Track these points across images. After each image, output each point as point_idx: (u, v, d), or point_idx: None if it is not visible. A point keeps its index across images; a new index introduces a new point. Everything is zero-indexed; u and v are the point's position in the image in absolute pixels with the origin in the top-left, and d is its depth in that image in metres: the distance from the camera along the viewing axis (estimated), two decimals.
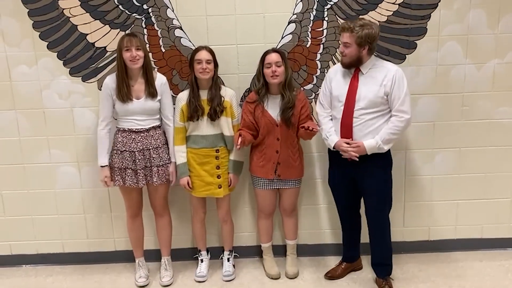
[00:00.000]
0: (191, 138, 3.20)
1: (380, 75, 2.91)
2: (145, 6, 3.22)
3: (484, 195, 3.53)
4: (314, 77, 3.34)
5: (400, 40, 3.27)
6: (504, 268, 3.40)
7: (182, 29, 3.26)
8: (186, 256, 3.58)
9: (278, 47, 3.24)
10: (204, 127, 3.16)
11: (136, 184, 3.14)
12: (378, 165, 2.99)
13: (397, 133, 2.91)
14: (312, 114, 3.25)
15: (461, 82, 3.34)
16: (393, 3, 3.22)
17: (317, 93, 3.23)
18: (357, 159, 2.91)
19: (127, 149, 3.10)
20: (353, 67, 2.95)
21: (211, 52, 3.10)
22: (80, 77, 3.32)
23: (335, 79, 3.03)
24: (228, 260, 3.44)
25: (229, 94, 3.19)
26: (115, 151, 3.13)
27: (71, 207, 3.53)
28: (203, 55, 3.07)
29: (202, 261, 3.45)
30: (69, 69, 3.31)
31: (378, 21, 3.22)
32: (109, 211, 3.54)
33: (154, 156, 3.13)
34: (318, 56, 3.31)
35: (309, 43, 3.29)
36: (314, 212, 3.58)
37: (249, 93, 3.26)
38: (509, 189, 3.53)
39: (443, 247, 3.60)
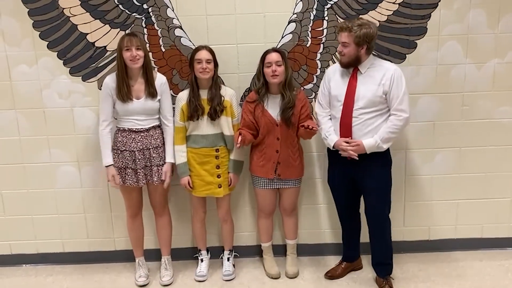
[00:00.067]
0: (191, 138, 3.20)
1: (378, 75, 2.91)
2: (145, 6, 3.22)
3: (484, 194, 3.53)
4: (314, 76, 3.34)
5: (400, 39, 3.27)
6: (504, 268, 3.40)
7: (182, 29, 3.26)
8: (186, 255, 3.58)
9: (278, 46, 3.24)
10: (204, 127, 3.16)
11: (136, 184, 3.14)
12: (378, 164, 2.99)
13: (396, 132, 2.91)
14: (312, 114, 3.25)
15: (461, 81, 3.34)
16: (393, 3, 3.22)
17: (317, 92, 3.23)
18: (357, 158, 2.91)
19: (127, 149, 3.10)
20: (352, 66, 2.95)
21: (211, 51, 3.10)
22: (80, 77, 3.32)
23: (334, 79, 3.03)
24: (228, 259, 3.44)
25: (229, 94, 3.19)
26: (115, 151, 3.13)
27: (71, 206, 3.53)
28: (203, 54, 3.07)
29: (202, 260, 3.45)
30: (69, 69, 3.31)
31: (378, 21, 3.22)
32: (109, 210, 3.54)
33: (154, 155, 3.13)
34: (318, 55, 3.31)
35: (309, 42, 3.29)
36: (314, 212, 3.58)
37: (249, 92, 3.26)
38: (509, 189, 3.53)
39: (443, 247, 3.60)
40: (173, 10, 3.23)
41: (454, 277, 3.31)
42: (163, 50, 3.29)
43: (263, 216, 3.38)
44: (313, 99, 3.33)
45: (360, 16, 3.17)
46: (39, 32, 3.24)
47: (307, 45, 3.29)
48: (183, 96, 3.18)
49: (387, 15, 3.24)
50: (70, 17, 3.22)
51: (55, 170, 3.46)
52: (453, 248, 3.60)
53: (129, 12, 3.23)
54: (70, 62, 3.29)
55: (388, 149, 3.00)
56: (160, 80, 3.14)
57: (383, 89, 2.89)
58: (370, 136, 2.91)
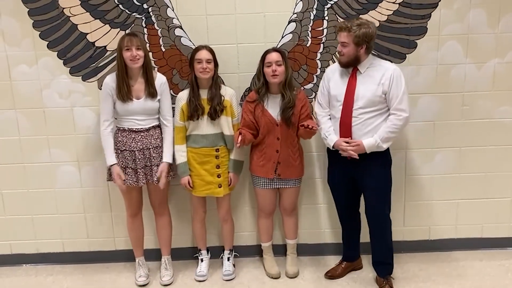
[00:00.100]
0: (191, 138, 3.20)
1: (378, 74, 2.91)
2: (145, 6, 3.22)
3: (484, 194, 3.53)
4: (314, 76, 3.34)
5: (400, 39, 3.27)
6: (504, 268, 3.40)
7: (182, 29, 3.26)
8: (186, 255, 3.58)
9: (278, 46, 3.24)
10: (204, 127, 3.16)
11: (136, 183, 3.14)
12: (378, 164, 2.99)
13: (395, 131, 2.91)
14: (312, 114, 3.24)
15: (461, 81, 3.34)
16: (394, 3, 3.22)
17: (317, 92, 3.22)
18: (357, 157, 2.92)
19: (127, 148, 3.10)
20: (351, 66, 2.95)
21: (211, 51, 3.10)
22: (80, 77, 3.32)
23: (333, 79, 3.03)
24: (228, 259, 3.44)
25: (229, 93, 3.19)
26: (115, 150, 3.13)
27: (71, 206, 3.53)
28: (204, 54, 3.06)
29: (202, 260, 3.45)
30: (69, 69, 3.31)
31: (379, 21, 3.22)
32: (109, 210, 3.54)
33: (154, 155, 3.12)
34: (318, 55, 3.31)
35: (309, 42, 3.29)
36: (314, 212, 3.58)
37: (249, 92, 3.26)
38: (509, 189, 3.53)
39: (443, 247, 3.60)
40: (173, 10, 3.23)
41: (454, 277, 3.31)
42: (163, 50, 3.29)
43: (263, 216, 3.38)
44: (313, 99, 3.33)
45: (360, 16, 3.17)
46: (39, 32, 3.24)
47: (307, 45, 3.29)
48: (183, 96, 3.18)
49: (387, 15, 3.24)
50: (70, 16, 3.22)
51: (55, 170, 3.46)
52: (453, 248, 3.60)
53: (129, 12, 3.23)
54: (70, 62, 3.29)
55: (388, 149, 3.00)
56: (160, 80, 3.13)
57: (382, 89, 2.89)
58: (370, 136, 2.91)
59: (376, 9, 3.23)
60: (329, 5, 3.23)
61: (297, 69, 3.31)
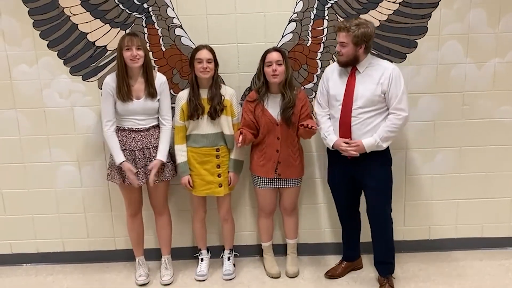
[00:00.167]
0: (191, 137, 3.20)
1: (377, 74, 2.91)
2: (145, 5, 3.22)
3: (485, 194, 3.53)
4: (315, 76, 3.34)
5: (400, 39, 3.27)
6: (504, 268, 3.40)
7: (182, 28, 3.26)
8: (186, 255, 3.58)
9: (278, 46, 3.24)
10: (205, 126, 3.16)
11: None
12: (378, 163, 2.99)
13: (395, 130, 2.91)
14: (312, 113, 3.24)
15: (461, 81, 3.34)
16: (394, 2, 3.22)
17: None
18: (357, 155, 2.92)
19: (127, 148, 3.11)
20: (350, 66, 2.95)
21: (211, 51, 3.10)
22: (81, 76, 3.32)
23: (332, 78, 3.03)
24: (229, 259, 3.44)
25: (229, 93, 3.19)
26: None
27: (72, 206, 3.53)
28: (204, 54, 3.06)
29: (202, 260, 3.45)
30: (69, 68, 3.31)
31: (379, 20, 3.22)
32: (110, 210, 3.54)
33: (154, 155, 3.12)
34: (319, 55, 3.31)
35: (310, 42, 3.28)
36: (314, 211, 3.58)
37: (250, 92, 3.26)
38: (510, 188, 3.53)
39: (443, 246, 3.60)
40: (173, 10, 3.23)
41: (454, 277, 3.31)
42: (163, 49, 3.29)
43: (264, 216, 3.37)
44: (313, 98, 3.32)
45: (361, 15, 3.17)
46: (40, 32, 3.24)
47: (308, 45, 3.29)
48: (183, 95, 3.18)
49: (388, 15, 3.24)
50: (70, 16, 3.22)
51: (56, 170, 3.46)
52: (453, 247, 3.60)
53: (129, 12, 3.23)
54: (71, 61, 3.29)
55: (388, 148, 3.00)
56: (160, 79, 3.13)
57: (381, 88, 2.89)
58: (369, 135, 2.91)
59: (376, 9, 3.23)
60: (329, 5, 3.23)
61: (297, 68, 3.31)
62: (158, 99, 3.12)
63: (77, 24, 3.23)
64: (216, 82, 3.15)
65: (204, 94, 3.14)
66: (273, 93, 3.14)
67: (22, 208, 3.53)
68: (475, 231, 3.61)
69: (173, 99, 3.22)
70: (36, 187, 3.49)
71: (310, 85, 3.36)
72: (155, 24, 3.25)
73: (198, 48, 3.10)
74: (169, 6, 3.22)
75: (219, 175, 3.21)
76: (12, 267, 3.61)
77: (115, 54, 3.10)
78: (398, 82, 2.88)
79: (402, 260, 3.45)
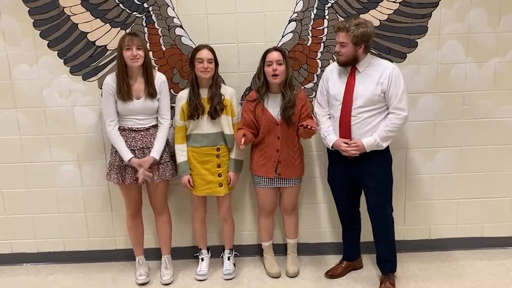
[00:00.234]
0: (191, 137, 3.20)
1: (376, 73, 2.91)
2: (145, 5, 3.22)
3: (485, 194, 3.53)
4: (315, 75, 3.34)
5: (400, 38, 3.27)
6: (504, 267, 3.40)
7: (182, 28, 3.26)
8: (186, 254, 3.58)
9: (279, 45, 3.24)
10: (205, 126, 3.16)
11: (135, 182, 3.13)
12: (378, 163, 2.99)
13: (394, 130, 2.91)
14: (313, 113, 3.24)
15: (461, 81, 3.34)
16: (394, 2, 3.22)
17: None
18: (358, 155, 2.92)
19: (127, 147, 3.10)
20: (349, 65, 2.95)
21: (212, 51, 3.10)
22: (81, 76, 3.32)
23: (332, 78, 3.03)
24: (229, 258, 3.44)
25: (229, 93, 3.19)
26: (115, 149, 3.13)
27: (72, 205, 3.53)
28: (205, 54, 3.06)
29: (202, 259, 3.45)
30: (69, 68, 3.31)
31: (379, 20, 3.22)
32: (110, 209, 3.54)
33: None
34: (319, 54, 3.31)
35: (310, 41, 3.28)
36: (315, 211, 3.58)
37: (250, 91, 3.26)
38: (510, 188, 3.53)
39: (444, 246, 3.60)
40: (173, 9, 3.23)
41: (454, 276, 3.31)
42: (164, 49, 3.29)
43: (264, 215, 3.38)
44: (314, 98, 3.32)
45: (361, 15, 3.17)
46: (40, 31, 3.24)
47: (308, 44, 3.29)
48: (183, 95, 3.18)
49: (388, 14, 3.24)
50: (70, 16, 3.22)
51: (56, 169, 3.46)
52: (453, 247, 3.60)
53: (129, 11, 3.23)
54: (71, 61, 3.29)
55: (388, 147, 3.00)
56: (159, 79, 3.14)
57: (381, 88, 2.89)
58: (369, 135, 2.91)
59: (376, 8, 3.23)
60: (329, 4, 3.23)
61: (297, 68, 3.31)
62: (158, 99, 3.12)
63: (77, 24, 3.23)
64: (216, 81, 3.15)
65: (204, 93, 3.14)
66: (273, 93, 3.14)
67: (22, 207, 3.53)
68: (476, 231, 3.61)
69: (173, 98, 3.22)
70: (36, 187, 3.49)
71: (310, 85, 3.36)
72: (155, 24, 3.25)
73: (198, 48, 3.10)
74: (169, 6, 3.22)
75: (219, 175, 3.21)
76: (12, 267, 3.61)
77: (115, 53, 3.10)
78: (398, 82, 2.89)
79: (402, 259, 3.45)
